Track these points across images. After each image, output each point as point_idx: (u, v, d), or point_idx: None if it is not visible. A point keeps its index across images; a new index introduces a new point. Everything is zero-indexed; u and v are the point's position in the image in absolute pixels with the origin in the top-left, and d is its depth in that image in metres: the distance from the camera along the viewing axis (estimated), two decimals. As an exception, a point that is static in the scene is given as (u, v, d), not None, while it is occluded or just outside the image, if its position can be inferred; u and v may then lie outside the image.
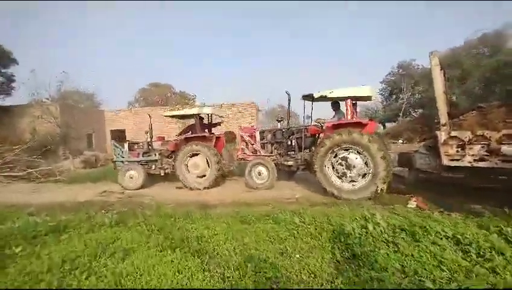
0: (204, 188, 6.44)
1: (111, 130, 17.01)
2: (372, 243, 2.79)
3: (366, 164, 4.89)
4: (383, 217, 3.36)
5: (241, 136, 7.11)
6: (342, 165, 5.00)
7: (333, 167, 5.13)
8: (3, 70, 14.50)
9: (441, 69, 4.56)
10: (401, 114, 23.20)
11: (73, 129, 13.12)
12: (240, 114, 17.88)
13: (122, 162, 7.54)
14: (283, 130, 6.59)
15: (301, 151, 6.07)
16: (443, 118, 4.41)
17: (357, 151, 4.92)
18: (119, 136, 15.45)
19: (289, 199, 5.02)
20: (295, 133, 6.35)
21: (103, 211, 4.76)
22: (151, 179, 7.44)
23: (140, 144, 7.95)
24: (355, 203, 4.49)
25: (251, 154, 6.81)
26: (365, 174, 4.93)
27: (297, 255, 2.70)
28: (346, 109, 5.39)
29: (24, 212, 4.74)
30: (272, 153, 6.60)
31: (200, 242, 3.08)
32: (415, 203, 4.42)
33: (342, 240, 2.85)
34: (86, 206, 5.09)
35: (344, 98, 5.39)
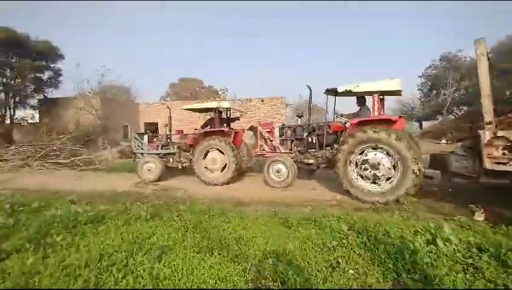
0: (223, 183, 6.27)
1: (145, 123, 17.68)
2: (447, 264, 2.30)
3: (393, 164, 4.48)
4: (452, 231, 2.82)
5: (260, 132, 6.82)
6: (367, 165, 4.62)
7: (357, 167, 4.75)
8: (51, 65, 15.63)
9: (488, 59, 3.88)
10: (444, 111, 21.06)
11: (112, 121, 13.78)
12: (271, 109, 17.52)
13: (141, 154, 7.59)
14: (303, 126, 6.26)
15: (322, 149, 5.72)
16: (488, 115, 3.82)
17: (385, 151, 4.52)
18: (150, 128, 16.01)
19: (329, 201, 4.60)
20: (316, 129, 6.01)
21: (138, 202, 4.75)
22: (182, 172, 7.45)
23: (159, 136, 7.93)
24: (409, 211, 3.95)
25: (270, 150, 6.53)
26: (391, 176, 4.51)
27: (351, 271, 2.32)
28: (373, 104, 4.96)
29: (66, 199, 4.90)
30: (291, 150, 6.30)
31: (239, 245, 2.83)
32: (483, 215, 3.77)
33: (407, 257, 2.40)
34: (123, 196, 5.13)
35: (371, 93, 4.96)
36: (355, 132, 4.69)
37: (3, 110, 14.43)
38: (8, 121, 14.54)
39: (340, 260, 2.45)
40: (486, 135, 3.79)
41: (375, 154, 4.59)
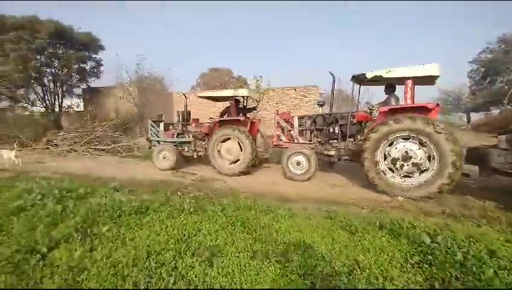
0: (240, 173, 6.02)
1: (178, 111, 17.91)
2: None
3: (428, 157, 4.11)
4: None
5: (277, 122, 6.38)
6: (399, 157, 4.27)
7: (386, 159, 4.41)
8: (93, 56, 16.35)
9: None
10: (506, 100, 18.36)
11: (148, 109, 14.12)
12: (303, 98, 16.70)
13: (158, 141, 7.43)
14: (325, 115, 5.85)
15: (345, 139, 5.34)
16: None
17: (418, 142, 4.15)
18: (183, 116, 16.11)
19: (389, 202, 3.99)
20: (339, 119, 5.60)
21: (179, 193, 4.58)
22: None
23: (175, 125, 7.68)
24: (497, 221, 3.23)
25: (288, 141, 6.15)
26: (425, 169, 4.15)
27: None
28: (406, 92, 4.50)
29: (109, 186, 4.90)
30: (311, 141, 5.92)
31: (299, 252, 2.43)
32: None
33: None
34: (162, 186, 5.02)
35: (403, 79, 4.49)
36: (387, 120, 4.29)
37: (53, 99, 15.50)
38: (57, 109, 15.62)
39: (437, 285, 1.93)
40: None
41: (407, 145, 4.24)
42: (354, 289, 1.90)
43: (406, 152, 4.22)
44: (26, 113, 14.89)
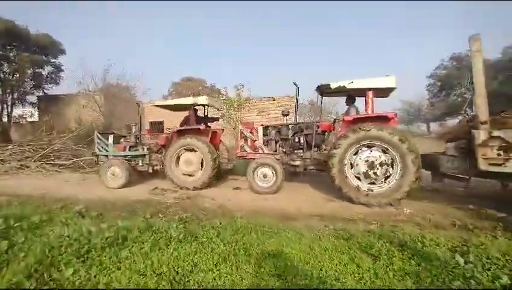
0: (196, 188, 5.65)
1: (150, 122, 16.81)
2: None
3: (391, 164, 4.35)
4: None
5: (241, 132, 6.16)
6: (364, 165, 4.44)
7: (352, 167, 4.56)
8: (52, 60, 14.77)
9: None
10: (463, 111, 20.27)
11: (116, 119, 12.94)
12: (286, 107, 16.70)
13: (106, 156, 6.71)
14: (289, 125, 5.79)
15: (310, 149, 5.32)
16: (482, 114, 3.72)
17: (382, 149, 4.38)
18: (157, 127, 15.13)
19: (397, 216, 3.76)
20: (304, 129, 5.58)
21: (160, 215, 3.93)
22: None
23: (127, 137, 7.10)
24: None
25: (252, 152, 5.96)
26: (389, 176, 4.38)
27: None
28: (367, 102, 4.78)
29: (73, 210, 4.06)
30: (276, 151, 5.81)
31: (326, 287, 2.00)
32: None
33: None
34: (140, 207, 4.30)
35: (364, 90, 4.79)
36: (353, 129, 4.44)
37: (0, 108, 13.55)
38: (5, 119, 13.65)
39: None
40: (480, 135, 3.67)
41: (371, 152, 4.43)
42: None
43: (371, 160, 4.38)
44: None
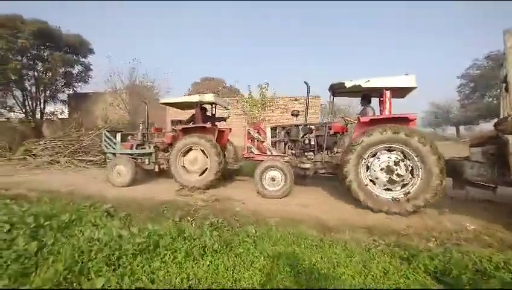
0: (204, 188, 5.44)
1: (171, 120, 16.90)
2: None
3: (411, 169, 3.98)
4: None
5: (248, 132, 5.83)
6: (382, 170, 4.09)
7: (368, 171, 4.19)
8: (82, 60, 15.28)
9: None
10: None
11: (141, 117, 13.12)
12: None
13: (114, 154, 6.61)
14: (299, 126, 5.44)
15: (321, 151, 4.98)
16: None
17: (401, 153, 4.01)
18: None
19: (459, 232, 3.25)
20: (314, 130, 5.30)
21: (189, 218, 3.69)
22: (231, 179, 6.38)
23: (135, 135, 6.96)
24: None
25: (259, 153, 5.66)
26: (408, 182, 4.00)
27: None
28: (384, 102, 4.44)
29: (101, 210, 3.94)
30: (284, 153, 5.50)
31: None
32: None
33: None
34: (168, 208, 4.10)
35: (382, 90, 4.43)
36: (370, 131, 4.07)
37: (34, 105, 14.19)
38: (38, 116, 14.29)
39: None
40: None
41: (389, 157, 4.06)
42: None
43: (390, 165, 4.03)
44: (2, 119, 13.48)
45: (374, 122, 4.26)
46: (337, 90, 4.87)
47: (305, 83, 5.17)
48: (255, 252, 2.61)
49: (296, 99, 16.86)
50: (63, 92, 15.32)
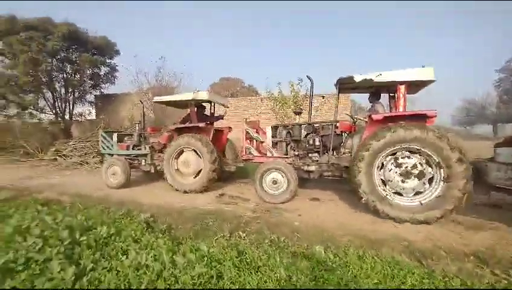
0: (198, 191, 5.13)
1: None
2: None
3: (432, 172, 3.51)
4: None
5: (246, 132, 5.37)
6: (397, 173, 3.63)
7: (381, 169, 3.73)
8: (108, 61, 15.34)
9: None
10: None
11: (166, 117, 12.89)
12: (332, 106, 15.30)
13: (111, 155, 6.43)
14: (302, 125, 4.96)
15: (327, 152, 4.52)
16: None
17: (417, 154, 3.54)
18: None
19: None
20: (319, 129, 4.84)
21: (241, 233, 3.11)
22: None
23: (132, 135, 6.68)
24: None
25: (259, 155, 5.25)
26: (427, 189, 3.53)
27: None
28: (398, 98, 3.97)
29: (139, 219, 3.46)
30: (286, 154, 5.05)
31: None
32: None
33: None
34: (213, 220, 3.54)
35: (396, 84, 3.97)
36: (385, 129, 3.59)
37: (63, 106, 14.41)
38: (67, 117, 14.49)
39: None
40: None
41: (404, 158, 3.59)
42: None
43: (406, 167, 3.57)
44: (34, 121, 13.77)
45: (387, 120, 3.77)
46: (345, 85, 4.40)
47: (308, 77, 4.76)
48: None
49: (323, 97, 16.03)
50: (91, 93, 15.47)
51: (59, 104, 14.20)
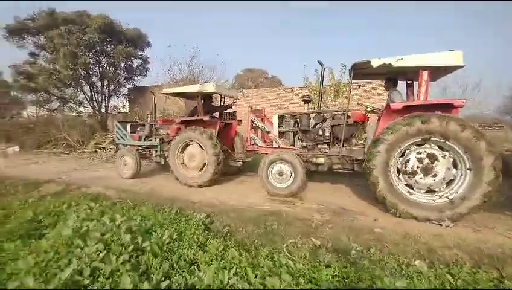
0: (199, 185, 5.02)
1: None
2: None
3: (455, 166, 3.13)
4: None
5: (251, 121, 5.20)
6: (417, 167, 3.29)
7: (399, 170, 3.41)
8: (140, 53, 15.45)
9: None
10: None
11: (188, 109, 12.72)
12: (371, 93, 14.18)
13: (125, 145, 6.55)
14: (311, 114, 4.65)
15: (338, 144, 4.25)
16: None
17: (440, 147, 3.17)
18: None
19: None
20: (330, 119, 4.49)
21: (313, 239, 2.68)
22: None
23: (145, 126, 6.62)
24: None
25: (265, 146, 5.03)
26: (440, 189, 3.21)
27: None
28: (420, 84, 3.47)
29: (196, 219, 3.16)
30: (294, 145, 4.79)
31: None
32: None
33: None
34: (274, 222, 3.14)
35: (419, 69, 3.45)
36: (405, 120, 3.27)
37: (100, 99, 14.82)
38: (103, 110, 14.91)
39: None
40: None
41: (425, 151, 3.26)
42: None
43: (428, 161, 3.25)
44: (74, 114, 14.34)
45: (407, 109, 3.39)
46: (360, 70, 3.92)
47: (319, 62, 4.50)
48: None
49: (359, 86, 14.96)
50: (124, 86, 15.74)
51: (96, 97, 14.62)
